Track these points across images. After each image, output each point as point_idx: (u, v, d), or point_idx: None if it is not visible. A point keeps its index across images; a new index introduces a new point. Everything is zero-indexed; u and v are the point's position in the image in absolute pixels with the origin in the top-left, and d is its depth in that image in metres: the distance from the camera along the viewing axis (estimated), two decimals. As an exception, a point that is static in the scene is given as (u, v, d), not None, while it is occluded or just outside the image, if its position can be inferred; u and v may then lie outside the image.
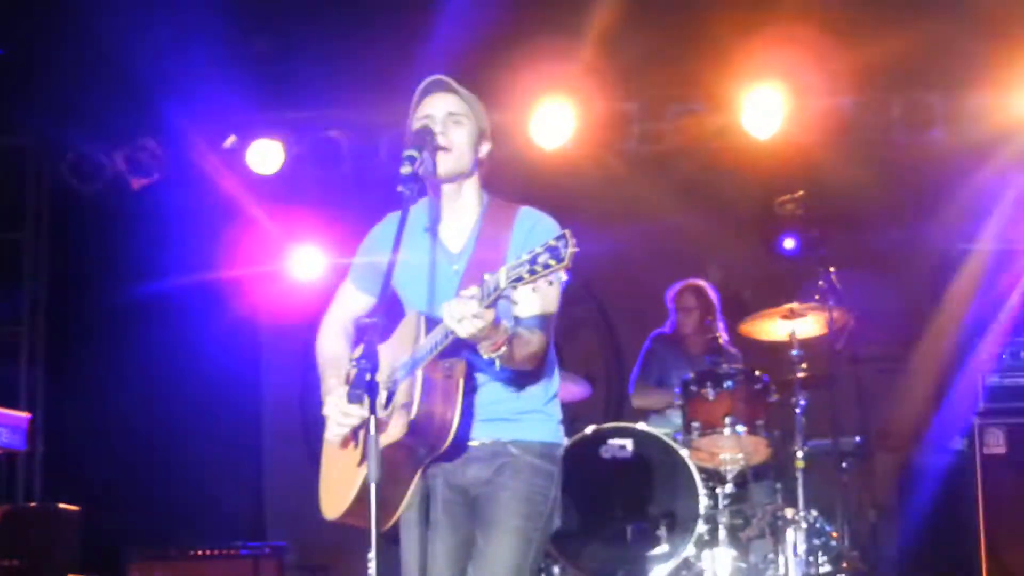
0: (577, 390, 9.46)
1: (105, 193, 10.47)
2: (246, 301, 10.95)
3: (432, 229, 5.05)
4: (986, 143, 9.77)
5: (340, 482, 4.94)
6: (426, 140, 4.85)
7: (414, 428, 4.64)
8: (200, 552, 8.83)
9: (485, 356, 4.62)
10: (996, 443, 8.41)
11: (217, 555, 8.79)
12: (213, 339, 10.65)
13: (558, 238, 4.26)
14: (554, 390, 5.07)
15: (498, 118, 9.92)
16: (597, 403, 10.14)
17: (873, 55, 9.40)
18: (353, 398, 4.47)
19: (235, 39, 9.56)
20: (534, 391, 4.98)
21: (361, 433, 4.80)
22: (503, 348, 4.59)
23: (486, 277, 4.42)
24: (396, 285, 5.06)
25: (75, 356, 10.36)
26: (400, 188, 4.76)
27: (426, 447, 4.76)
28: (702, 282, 9.71)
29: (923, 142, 9.91)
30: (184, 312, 10.60)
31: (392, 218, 5.13)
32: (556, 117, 10.06)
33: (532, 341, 4.75)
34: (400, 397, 4.72)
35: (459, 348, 4.67)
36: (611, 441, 8.59)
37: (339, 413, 4.82)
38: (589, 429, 8.66)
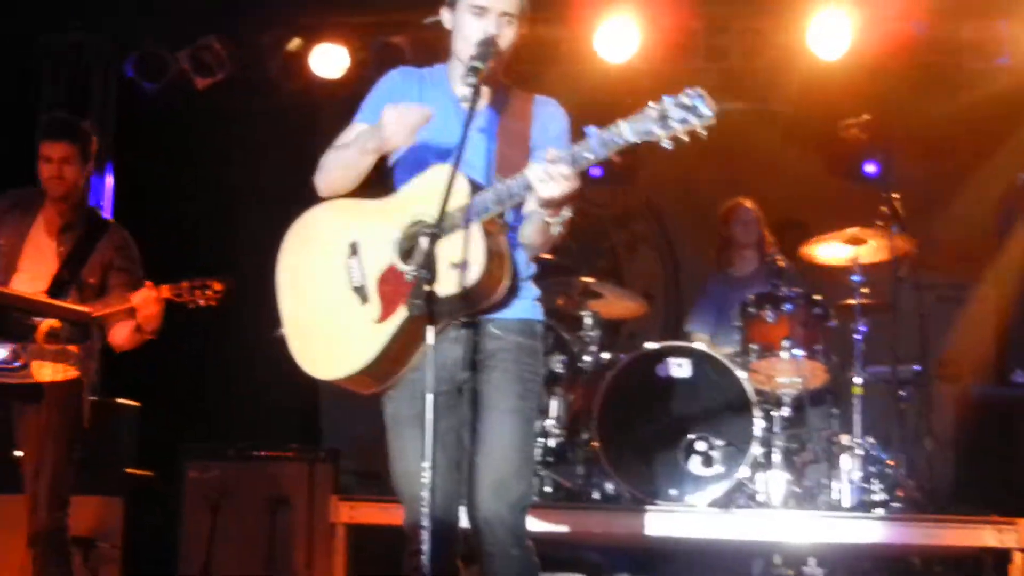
0: (635, 306, 9.48)
1: (170, 91, 10.45)
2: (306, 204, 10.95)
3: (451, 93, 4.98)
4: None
5: (346, 336, 4.78)
6: (491, 52, 4.79)
7: (475, 285, 4.59)
8: (257, 453, 8.88)
9: (549, 220, 4.60)
10: (1057, 377, 8.36)
11: (274, 457, 8.83)
12: (270, 241, 10.68)
13: (692, 95, 4.29)
14: (534, 267, 5.03)
15: (564, 32, 9.96)
16: (655, 320, 10.13)
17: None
18: (413, 308, 4.35)
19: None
20: (520, 267, 4.94)
21: (373, 286, 4.76)
22: (565, 212, 4.60)
23: (593, 131, 4.40)
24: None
25: (141, 251, 10.38)
26: (462, 102, 4.74)
27: (471, 304, 4.70)
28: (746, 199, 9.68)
29: (993, 70, 9.76)
30: (242, 214, 10.63)
31: (409, 73, 5.12)
32: (621, 32, 9.96)
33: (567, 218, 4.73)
34: (450, 251, 4.58)
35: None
36: (668, 360, 8.55)
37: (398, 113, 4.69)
38: (646, 347, 8.67)
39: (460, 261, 4.57)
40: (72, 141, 6.96)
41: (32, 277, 6.80)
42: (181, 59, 10.35)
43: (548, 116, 5.03)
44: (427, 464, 4.34)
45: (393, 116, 4.68)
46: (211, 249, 10.23)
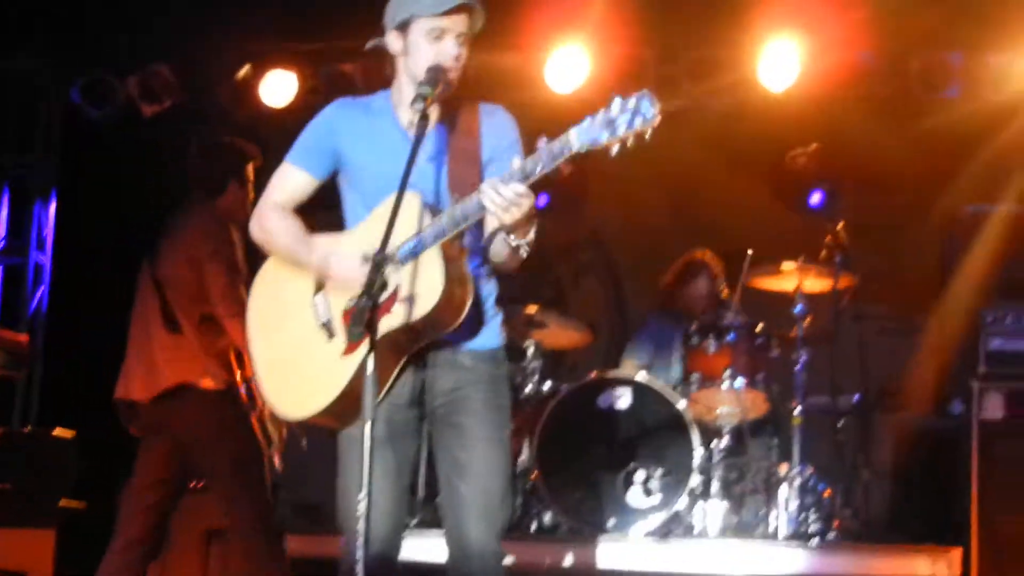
0: (578, 337, 9.46)
1: (117, 119, 10.38)
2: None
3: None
4: (1006, 106, 9.58)
5: (313, 374, 4.76)
6: (440, 79, 4.74)
7: (434, 310, 4.54)
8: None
9: (513, 244, 4.55)
10: (994, 408, 8.28)
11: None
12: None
13: (639, 97, 4.23)
14: (495, 292, 4.98)
15: (513, 61, 9.92)
16: (597, 351, 10.09)
17: (892, 10, 9.26)
18: (353, 336, 4.30)
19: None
20: (486, 293, 4.91)
21: (339, 322, 4.73)
22: (531, 234, 4.55)
23: (542, 144, 4.36)
24: (348, 176, 4.99)
25: (84, 280, 10.33)
26: (409, 129, 4.73)
27: (433, 329, 4.65)
28: (707, 253, 9.63)
29: (941, 102, 9.73)
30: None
31: (349, 104, 5.05)
32: (571, 61, 9.91)
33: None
34: (409, 277, 4.59)
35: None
36: (609, 390, 8.56)
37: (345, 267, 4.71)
38: (587, 377, 8.64)
39: (418, 286, 4.56)
40: None
41: None
42: (129, 85, 10.29)
43: (497, 126, 4.96)
44: (363, 495, 4.24)
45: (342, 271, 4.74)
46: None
